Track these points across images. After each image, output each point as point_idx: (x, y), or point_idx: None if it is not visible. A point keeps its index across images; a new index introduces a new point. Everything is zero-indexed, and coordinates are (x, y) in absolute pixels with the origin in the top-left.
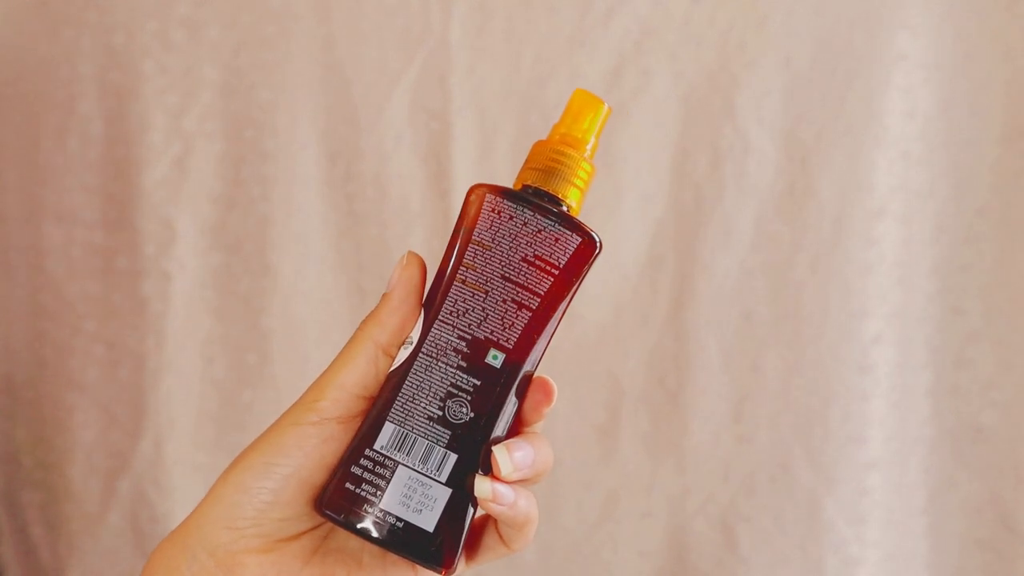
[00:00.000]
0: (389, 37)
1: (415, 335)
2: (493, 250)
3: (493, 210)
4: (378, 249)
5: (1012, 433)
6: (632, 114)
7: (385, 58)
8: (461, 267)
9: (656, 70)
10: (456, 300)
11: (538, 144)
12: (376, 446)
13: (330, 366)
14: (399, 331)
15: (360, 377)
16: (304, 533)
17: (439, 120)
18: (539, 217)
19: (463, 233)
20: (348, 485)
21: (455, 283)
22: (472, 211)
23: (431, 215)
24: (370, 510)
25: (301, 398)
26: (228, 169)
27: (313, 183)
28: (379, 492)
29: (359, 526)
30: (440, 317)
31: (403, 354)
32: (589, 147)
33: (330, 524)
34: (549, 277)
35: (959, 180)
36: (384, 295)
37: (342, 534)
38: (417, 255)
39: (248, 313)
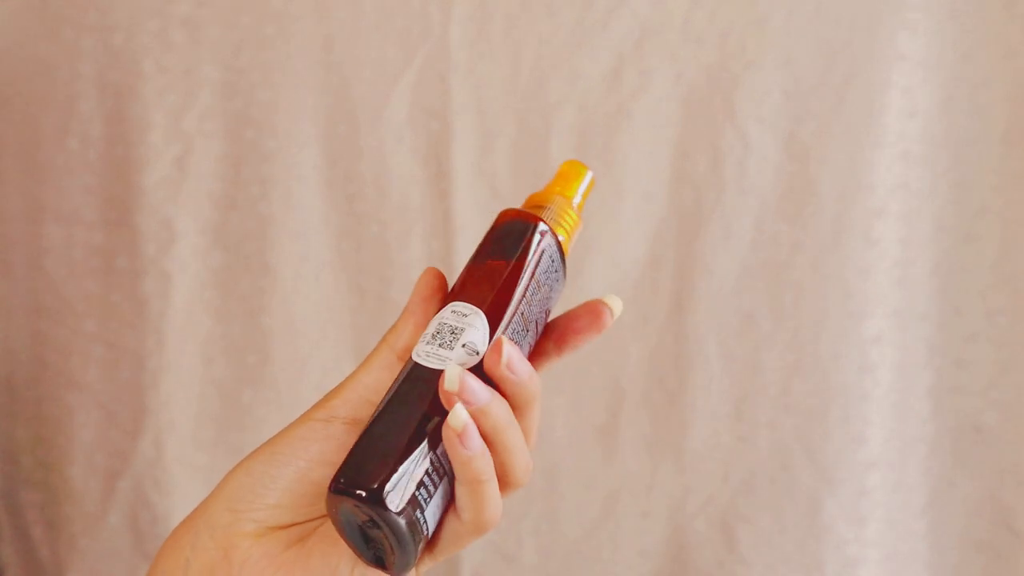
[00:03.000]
0: (389, 37)
1: (481, 347)
2: (541, 291)
3: (550, 255)
4: (378, 249)
5: (1012, 433)
6: (632, 114)
7: (385, 58)
8: (523, 300)
9: (656, 70)
10: (515, 330)
11: (530, 195)
12: (438, 450)
13: (352, 372)
14: (413, 338)
15: (373, 381)
16: (295, 524)
17: (439, 120)
18: (563, 267)
19: (532, 265)
20: (411, 485)
21: (517, 314)
22: (538, 246)
23: (431, 215)
24: (415, 513)
25: (321, 399)
26: (228, 169)
27: (313, 183)
28: (430, 498)
29: (403, 523)
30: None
31: (470, 361)
32: (576, 202)
33: (317, 522)
34: (545, 321)
35: (959, 180)
36: (409, 299)
37: (328, 528)
38: (434, 268)
39: (248, 313)
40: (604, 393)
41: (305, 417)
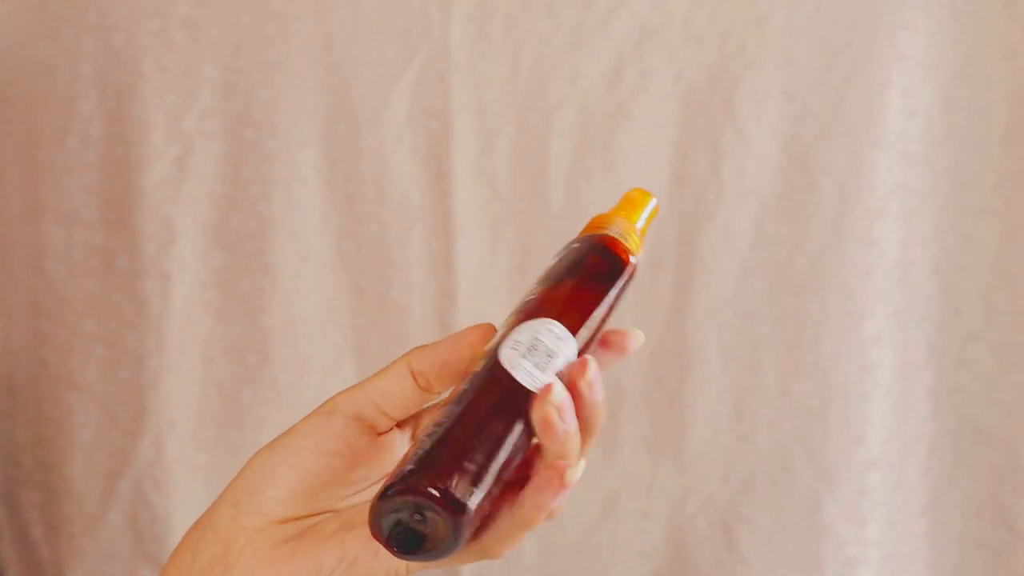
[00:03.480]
0: (389, 37)
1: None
2: (611, 321)
3: (628, 292)
4: (378, 249)
5: (1012, 433)
6: (632, 114)
7: (385, 58)
8: (601, 331)
9: (656, 70)
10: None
11: (595, 215)
12: (509, 466)
13: (368, 377)
14: (431, 366)
15: (384, 387)
16: (294, 519)
17: (439, 120)
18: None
19: (617, 302)
20: (479, 496)
21: (594, 342)
22: (627, 285)
23: (431, 215)
24: (472, 520)
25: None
26: (228, 169)
27: (313, 183)
28: (485, 510)
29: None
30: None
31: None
32: (639, 227)
33: (317, 518)
34: None
35: (959, 180)
36: (450, 335)
37: (322, 525)
38: (490, 326)
39: (248, 313)
40: (604, 393)
41: (310, 413)
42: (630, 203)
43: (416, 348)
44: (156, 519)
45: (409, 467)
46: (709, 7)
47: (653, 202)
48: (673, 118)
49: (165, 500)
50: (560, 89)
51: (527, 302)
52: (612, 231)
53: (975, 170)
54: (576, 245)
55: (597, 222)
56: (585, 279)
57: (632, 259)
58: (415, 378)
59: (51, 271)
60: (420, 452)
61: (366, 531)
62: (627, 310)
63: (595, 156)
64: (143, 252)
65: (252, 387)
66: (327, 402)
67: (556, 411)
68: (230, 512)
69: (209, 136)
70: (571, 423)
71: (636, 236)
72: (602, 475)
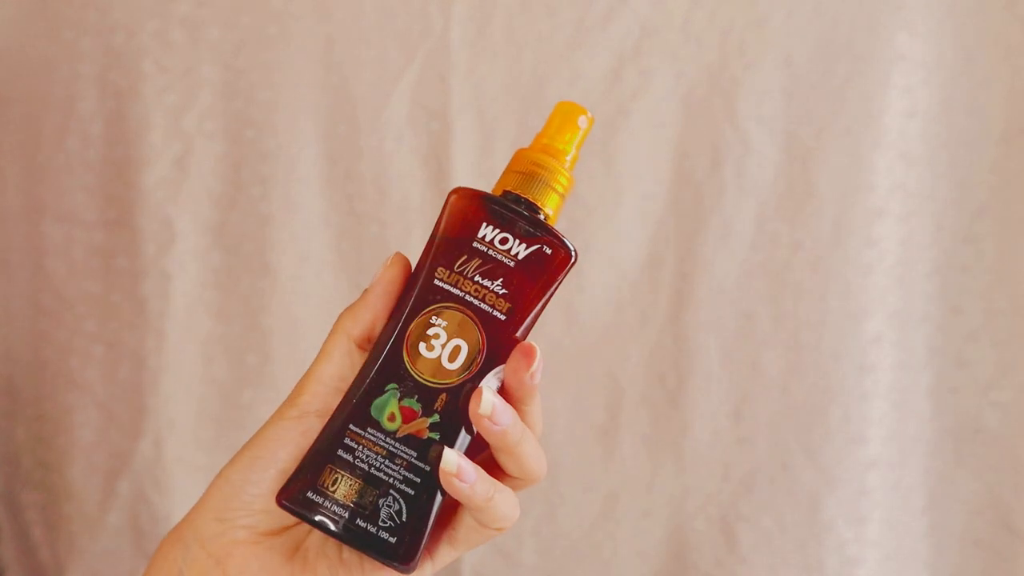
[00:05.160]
0: (389, 37)
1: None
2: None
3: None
4: (378, 249)
5: (1012, 433)
6: (632, 114)
7: (385, 58)
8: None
9: (656, 70)
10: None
11: (519, 152)
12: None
13: (312, 362)
14: (370, 326)
15: (336, 370)
16: (288, 528)
17: (439, 120)
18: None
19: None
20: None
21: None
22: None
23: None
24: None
25: (288, 395)
26: (228, 169)
27: (313, 183)
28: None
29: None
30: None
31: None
32: (569, 158)
33: (308, 526)
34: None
35: (959, 180)
36: (364, 290)
37: (316, 534)
38: (403, 256)
39: (248, 313)
40: (604, 393)
41: (277, 416)
42: (563, 127)
43: (347, 317)
44: (156, 519)
45: (367, 527)
46: (709, 7)
47: (584, 120)
48: (673, 118)
49: (165, 500)
50: (560, 89)
51: (469, 301)
52: (541, 194)
53: (975, 170)
54: (501, 228)
55: (521, 168)
56: (529, 270)
57: (575, 260)
58: (360, 348)
59: (51, 271)
60: (383, 516)
61: None
62: (627, 309)
63: (595, 156)
64: (143, 252)
65: (252, 387)
66: (292, 404)
67: (485, 420)
68: (217, 527)
69: (209, 136)
70: (505, 421)
71: (565, 175)
72: (602, 475)
